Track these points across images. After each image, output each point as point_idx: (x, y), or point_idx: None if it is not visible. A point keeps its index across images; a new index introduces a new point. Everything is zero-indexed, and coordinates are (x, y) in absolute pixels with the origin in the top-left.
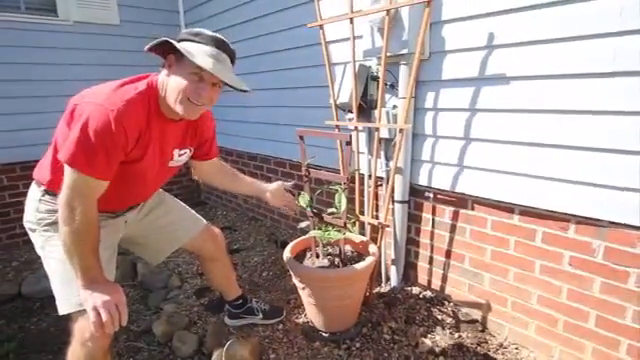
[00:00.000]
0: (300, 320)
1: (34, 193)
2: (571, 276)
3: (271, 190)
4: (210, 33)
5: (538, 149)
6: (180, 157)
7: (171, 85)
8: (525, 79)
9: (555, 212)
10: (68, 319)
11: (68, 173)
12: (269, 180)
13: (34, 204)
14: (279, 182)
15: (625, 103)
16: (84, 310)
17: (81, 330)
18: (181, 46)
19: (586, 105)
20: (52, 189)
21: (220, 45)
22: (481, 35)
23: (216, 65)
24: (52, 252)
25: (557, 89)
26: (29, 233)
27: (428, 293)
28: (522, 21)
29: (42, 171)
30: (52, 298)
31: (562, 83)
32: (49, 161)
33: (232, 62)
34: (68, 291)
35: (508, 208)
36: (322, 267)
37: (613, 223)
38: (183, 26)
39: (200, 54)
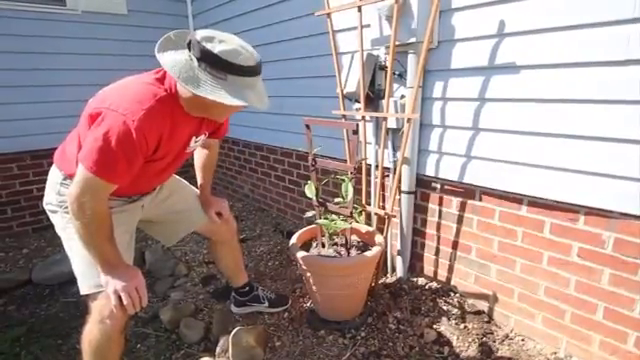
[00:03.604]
0: (305, 309)
1: (55, 177)
2: (580, 268)
3: (207, 200)
4: (244, 63)
5: (548, 139)
6: (196, 143)
7: (195, 104)
8: (535, 68)
9: (564, 203)
10: (78, 305)
11: (82, 172)
12: (275, 171)
13: (56, 187)
14: (223, 203)
15: (638, 91)
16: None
17: (100, 308)
18: (216, 95)
19: (597, 94)
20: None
21: (256, 72)
22: (491, 23)
23: (252, 98)
24: (73, 234)
25: (568, 78)
26: (50, 215)
27: (434, 284)
28: (533, 8)
29: (67, 162)
30: (61, 284)
31: (573, 72)
32: (75, 153)
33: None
34: (89, 272)
35: (516, 199)
36: (328, 256)
37: (624, 214)
38: (190, 16)
39: (234, 92)
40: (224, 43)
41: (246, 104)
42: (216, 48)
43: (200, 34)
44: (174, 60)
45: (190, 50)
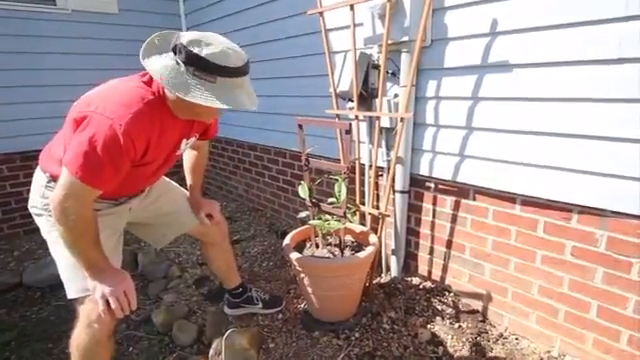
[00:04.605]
0: (299, 310)
1: (40, 179)
2: (573, 266)
3: (197, 202)
4: (232, 64)
5: (541, 138)
6: (186, 145)
7: (183, 107)
8: (528, 66)
9: (558, 202)
10: (69, 308)
11: (66, 176)
12: (269, 171)
13: (40, 190)
14: (214, 205)
15: (630, 90)
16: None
17: (88, 312)
18: (208, 100)
19: (590, 93)
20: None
21: (244, 72)
22: (484, 21)
23: (243, 99)
24: (58, 237)
25: (561, 76)
26: (35, 218)
27: (428, 283)
28: (525, 7)
29: (52, 164)
30: (53, 287)
31: (566, 70)
32: (61, 155)
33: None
34: (76, 276)
35: (510, 198)
36: (321, 257)
37: (617, 213)
38: (183, 15)
39: (225, 95)
40: (211, 46)
41: (238, 107)
42: (203, 51)
43: (186, 38)
44: (160, 66)
45: (176, 54)
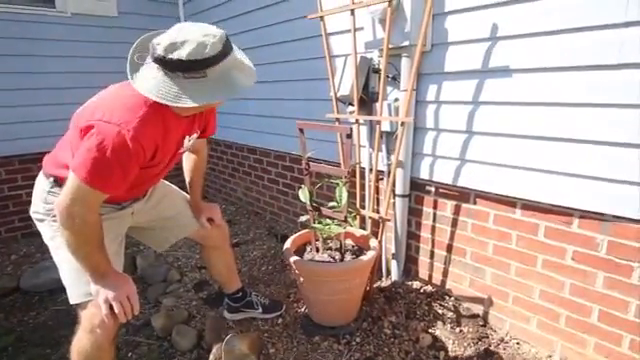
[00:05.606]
0: (300, 314)
1: (43, 184)
2: (574, 271)
3: (198, 205)
4: (214, 52)
5: (542, 142)
6: (189, 142)
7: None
8: (529, 72)
9: (558, 206)
10: (67, 313)
11: (74, 182)
12: (268, 174)
13: (43, 195)
14: (215, 209)
15: (630, 95)
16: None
17: (90, 317)
18: (208, 97)
19: (590, 97)
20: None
21: (227, 51)
22: (484, 26)
23: (240, 79)
24: (61, 243)
25: (561, 81)
26: (37, 224)
27: (429, 287)
28: (526, 12)
29: (58, 168)
30: (51, 292)
31: (566, 75)
32: (66, 160)
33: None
34: (78, 280)
35: (511, 202)
36: (322, 261)
37: (617, 217)
38: (182, 18)
39: (222, 83)
40: (187, 43)
41: (239, 89)
42: (183, 54)
43: (161, 45)
44: (151, 84)
45: (158, 64)
